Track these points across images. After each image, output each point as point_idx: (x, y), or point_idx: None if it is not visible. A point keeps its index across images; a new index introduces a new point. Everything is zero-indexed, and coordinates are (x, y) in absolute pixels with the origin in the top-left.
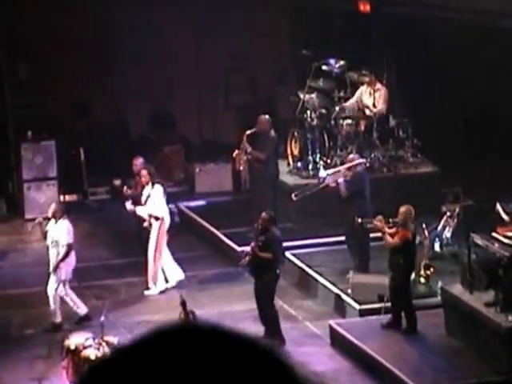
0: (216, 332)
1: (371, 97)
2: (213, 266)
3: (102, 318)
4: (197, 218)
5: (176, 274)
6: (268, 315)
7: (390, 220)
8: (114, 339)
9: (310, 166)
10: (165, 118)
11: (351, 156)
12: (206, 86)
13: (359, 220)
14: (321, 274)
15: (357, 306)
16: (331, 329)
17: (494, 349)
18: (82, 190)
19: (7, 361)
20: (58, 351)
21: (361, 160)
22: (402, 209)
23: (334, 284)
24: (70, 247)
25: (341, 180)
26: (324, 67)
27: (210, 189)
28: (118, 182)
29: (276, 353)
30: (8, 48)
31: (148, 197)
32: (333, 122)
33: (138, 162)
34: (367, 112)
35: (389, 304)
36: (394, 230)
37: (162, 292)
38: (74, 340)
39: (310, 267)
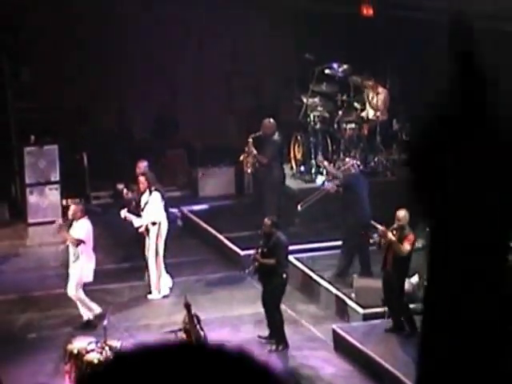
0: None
1: (373, 100)
2: (216, 270)
3: (105, 322)
4: (200, 221)
5: (167, 281)
6: (274, 319)
7: (391, 228)
8: (116, 343)
9: (313, 170)
10: (168, 122)
11: (346, 160)
12: (208, 91)
13: (372, 238)
14: (324, 278)
15: (360, 310)
16: (334, 333)
17: None
18: (84, 195)
19: (10, 365)
20: (61, 355)
21: (353, 162)
22: (402, 213)
23: (337, 288)
24: (83, 244)
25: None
26: (327, 71)
27: (212, 193)
28: (121, 186)
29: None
30: (11, 52)
31: (146, 203)
32: (336, 126)
33: (142, 164)
34: (371, 116)
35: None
36: (396, 236)
37: (164, 296)
38: (77, 344)
39: (313, 271)
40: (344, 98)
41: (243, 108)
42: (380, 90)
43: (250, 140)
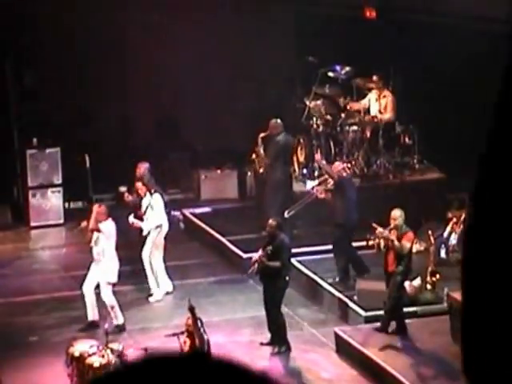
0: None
1: (377, 103)
2: (218, 273)
3: (106, 326)
4: (202, 224)
5: (165, 284)
6: (275, 322)
7: (387, 228)
8: (118, 346)
9: (316, 173)
10: (170, 124)
11: (336, 164)
12: (211, 93)
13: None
14: (326, 281)
15: (362, 313)
16: (337, 336)
17: None
18: (87, 197)
19: (12, 368)
20: (63, 359)
21: (343, 165)
22: (397, 212)
23: (339, 291)
24: (107, 245)
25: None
26: (330, 73)
27: (215, 195)
28: (123, 189)
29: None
30: (13, 55)
31: (147, 207)
32: (338, 129)
33: (143, 166)
34: (373, 118)
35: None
36: (394, 236)
37: (166, 294)
38: (79, 347)
39: (315, 274)
40: (347, 100)
41: (246, 111)
42: (386, 92)
43: (259, 140)
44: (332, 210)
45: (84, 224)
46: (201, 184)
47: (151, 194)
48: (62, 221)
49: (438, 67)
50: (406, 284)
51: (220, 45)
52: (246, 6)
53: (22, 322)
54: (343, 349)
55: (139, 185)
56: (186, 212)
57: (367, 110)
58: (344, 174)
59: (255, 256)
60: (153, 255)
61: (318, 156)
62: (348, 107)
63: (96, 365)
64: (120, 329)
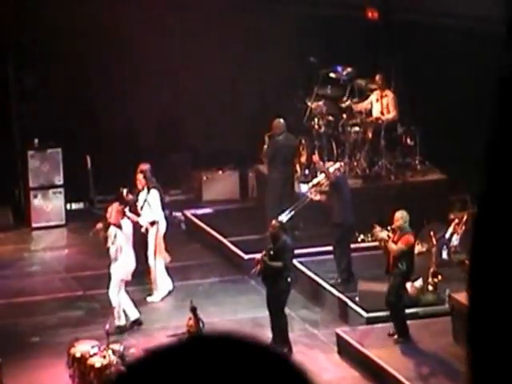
0: (229, 341)
1: (378, 103)
2: (219, 274)
3: (107, 326)
4: (203, 225)
5: (166, 284)
6: (278, 323)
7: (388, 228)
8: (119, 347)
9: (318, 174)
10: (172, 125)
11: (328, 164)
12: (213, 94)
13: (361, 237)
14: (328, 282)
15: (364, 314)
16: (338, 337)
17: None
18: (88, 198)
19: (13, 369)
20: (65, 359)
21: (336, 166)
22: (398, 214)
23: (341, 292)
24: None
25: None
26: (332, 74)
27: (216, 196)
28: (124, 190)
29: (289, 359)
30: (15, 55)
31: (144, 202)
32: (340, 130)
33: (145, 167)
34: (375, 119)
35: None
36: (394, 237)
37: (165, 296)
38: (80, 348)
39: (317, 275)
40: (349, 101)
41: (247, 111)
42: (387, 92)
43: (266, 139)
44: (330, 210)
45: (100, 226)
46: (202, 185)
47: (149, 189)
48: (63, 222)
49: (439, 68)
50: (408, 285)
51: (221, 45)
52: (247, 6)
53: (23, 323)
54: (345, 350)
55: (140, 176)
56: (188, 213)
57: (369, 111)
58: (338, 174)
59: (258, 257)
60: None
61: (316, 157)
62: (350, 108)
63: (97, 365)
64: (121, 330)
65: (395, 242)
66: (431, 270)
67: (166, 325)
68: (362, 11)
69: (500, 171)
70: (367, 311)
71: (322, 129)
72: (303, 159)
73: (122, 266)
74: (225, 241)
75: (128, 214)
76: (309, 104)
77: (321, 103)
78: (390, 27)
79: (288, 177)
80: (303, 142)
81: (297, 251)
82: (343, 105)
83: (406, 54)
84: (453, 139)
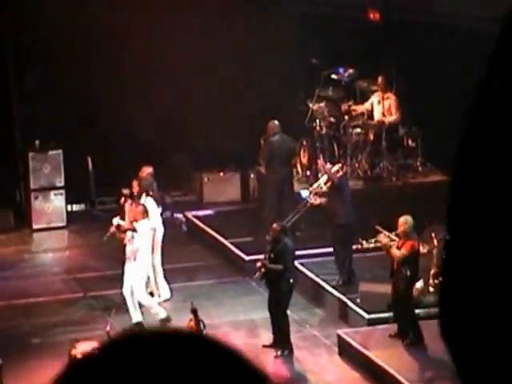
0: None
1: (380, 105)
2: (220, 276)
3: (108, 328)
4: (204, 227)
5: (163, 291)
6: (279, 324)
7: (393, 233)
8: None
9: (319, 175)
10: (173, 127)
11: (327, 166)
12: (214, 95)
13: (364, 242)
14: (329, 283)
15: (365, 315)
16: (339, 338)
17: None
18: (89, 200)
19: (14, 370)
20: (66, 361)
21: (336, 167)
22: (402, 219)
23: (342, 293)
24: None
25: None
26: (333, 76)
27: (217, 198)
28: (126, 192)
29: (240, 355)
30: (16, 56)
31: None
32: (342, 131)
33: (147, 170)
34: (377, 120)
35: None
36: (398, 242)
37: (165, 301)
38: (81, 349)
39: (318, 276)
40: (350, 103)
41: (249, 113)
42: (389, 94)
43: (262, 141)
44: (332, 211)
45: (113, 230)
46: (203, 186)
47: (145, 197)
48: (64, 223)
49: (441, 69)
50: None
51: (222, 47)
52: (248, 7)
53: (24, 325)
54: (346, 351)
55: (135, 183)
56: (189, 214)
57: (370, 113)
58: (339, 175)
59: (260, 261)
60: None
61: (321, 162)
62: (351, 110)
63: None
64: (166, 321)
65: (399, 248)
66: (432, 271)
67: (167, 326)
68: (363, 12)
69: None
70: (368, 312)
71: (324, 130)
72: (305, 160)
73: (140, 267)
74: (226, 242)
75: (118, 221)
76: (310, 105)
77: (322, 105)
78: (392, 28)
79: (285, 178)
80: (304, 143)
81: (298, 252)
82: (344, 106)
83: (407, 55)
84: (454, 140)
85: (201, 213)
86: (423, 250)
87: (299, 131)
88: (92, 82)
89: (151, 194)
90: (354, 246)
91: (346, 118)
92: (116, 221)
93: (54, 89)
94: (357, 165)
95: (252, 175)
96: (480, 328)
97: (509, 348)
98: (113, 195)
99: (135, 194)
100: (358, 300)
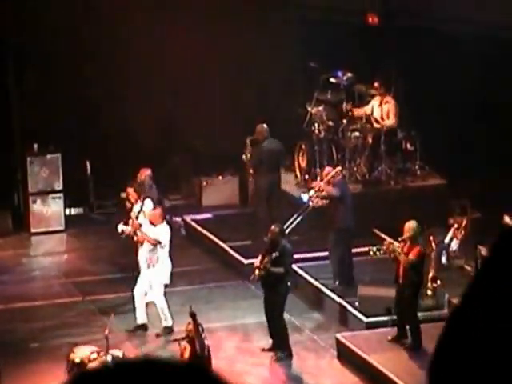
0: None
1: (379, 108)
2: (219, 279)
3: (107, 332)
4: (203, 230)
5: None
6: (277, 328)
7: (399, 239)
8: (118, 352)
9: (318, 179)
10: (172, 131)
11: (327, 169)
12: (213, 99)
13: (372, 252)
14: (327, 287)
15: (364, 319)
16: (338, 341)
17: None
18: (88, 203)
19: (12, 374)
20: (64, 365)
21: (336, 170)
22: (410, 224)
23: (340, 296)
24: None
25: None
26: (332, 79)
27: (216, 202)
28: (124, 195)
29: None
30: (15, 58)
31: (139, 212)
32: (340, 135)
33: (145, 172)
34: (375, 124)
35: (395, 317)
36: (404, 248)
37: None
38: (79, 353)
39: (316, 279)
40: (349, 106)
41: (248, 116)
42: (388, 98)
43: (248, 142)
44: (332, 215)
45: (123, 228)
46: (202, 190)
47: (143, 200)
48: (62, 227)
49: (440, 73)
50: None
51: (222, 50)
52: (247, 10)
53: (22, 329)
54: (345, 355)
55: (130, 190)
56: (188, 218)
57: (369, 117)
58: (337, 178)
59: (256, 263)
60: None
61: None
62: (351, 114)
63: None
64: (168, 331)
65: (406, 254)
66: (430, 274)
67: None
68: (362, 16)
69: None
70: (367, 316)
71: (322, 134)
72: (303, 164)
73: (160, 270)
74: (224, 246)
75: (122, 227)
76: (309, 109)
77: (321, 108)
78: (390, 32)
79: (275, 182)
80: (303, 147)
81: (296, 256)
82: (347, 106)
83: (405, 59)
84: (453, 144)
85: (199, 216)
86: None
87: (298, 135)
88: (91, 85)
89: (148, 195)
90: (354, 250)
91: (345, 121)
92: (120, 227)
93: (53, 92)
94: (355, 168)
95: (250, 179)
96: None
97: None
98: (111, 199)
99: (134, 201)
100: (357, 304)
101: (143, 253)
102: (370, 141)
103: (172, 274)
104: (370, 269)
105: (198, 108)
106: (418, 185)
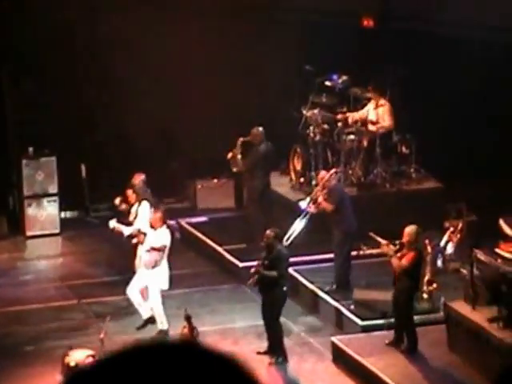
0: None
1: (374, 111)
2: (214, 283)
3: (102, 335)
4: (199, 234)
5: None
6: (273, 332)
7: (396, 242)
8: None
9: (313, 182)
10: (167, 134)
11: (322, 173)
12: (208, 102)
13: (365, 248)
14: (323, 290)
15: (359, 322)
16: (333, 345)
17: (497, 365)
18: (83, 207)
19: (8, 378)
20: (59, 368)
21: (331, 173)
22: (408, 229)
23: (336, 300)
24: (162, 252)
25: (320, 199)
26: (327, 83)
27: (211, 205)
28: (119, 199)
29: (233, 361)
30: (11, 63)
31: (136, 214)
32: (336, 138)
33: (139, 178)
34: (370, 127)
35: (392, 320)
36: (401, 252)
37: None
38: (75, 357)
39: (312, 283)
40: (344, 109)
41: (243, 120)
42: (382, 101)
43: (239, 142)
44: (334, 219)
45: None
46: (197, 193)
47: (140, 201)
48: (57, 230)
49: (436, 76)
50: None
51: (219, 54)
52: (244, 14)
53: (17, 332)
54: (340, 358)
55: (129, 192)
56: (183, 221)
57: (365, 120)
58: (332, 182)
59: (253, 268)
60: None
61: (322, 173)
62: (347, 117)
63: None
64: (164, 334)
65: (400, 258)
66: (426, 278)
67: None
68: (358, 19)
69: None
70: (362, 319)
71: (317, 137)
72: (298, 167)
73: (158, 275)
74: (220, 249)
75: (114, 224)
76: (304, 112)
77: (316, 111)
78: (386, 35)
79: (267, 184)
80: (298, 150)
81: (291, 259)
82: (339, 116)
83: (401, 62)
84: (448, 147)
85: (195, 220)
86: None
87: (293, 138)
88: (86, 89)
89: (146, 197)
90: (354, 253)
91: (340, 124)
92: (112, 224)
93: (48, 95)
94: (350, 171)
95: (234, 169)
96: None
97: None
98: (106, 202)
99: (131, 202)
100: (352, 307)
101: (141, 254)
102: (366, 144)
103: (171, 279)
104: (365, 272)
105: (193, 111)
106: (413, 188)
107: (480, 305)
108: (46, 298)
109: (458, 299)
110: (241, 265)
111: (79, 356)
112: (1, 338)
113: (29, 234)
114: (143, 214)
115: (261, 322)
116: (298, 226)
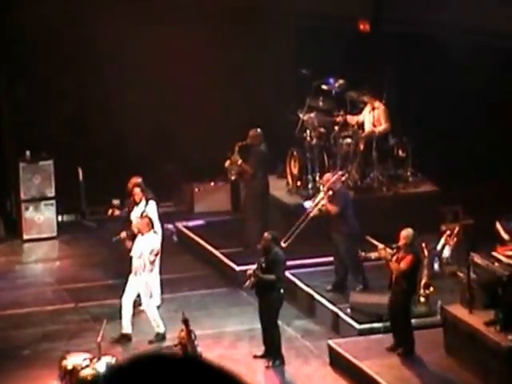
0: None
1: (370, 114)
2: (211, 286)
3: (99, 339)
4: (195, 237)
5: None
6: (270, 335)
7: (393, 246)
8: (110, 359)
9: (310, 185)
10: (163, 137)
11: (326, 176)
12: (204, 105)
13: (363, 253)
14: (319, 293)
15: (356, 326)
16: (330, 348)
17: (494, 368)
18: (80, 210)
19: (5, 381)
20: (56, 372)
21: (336, 176)
22: (404, 233)
23: (333, 303)
24: (154, 254)
25: (324, 201)
26: (324, 86)
27: (208, 208)
28: (116, 202)
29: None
30: (7, 66)
31: (142, 213)
32: (332, 141)
33: (136, 180)
34: (367, 130)
35: (388, 324)
36: (398, 255)
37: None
38: (72, 360)
39: (308, 286)
40: (341, 113)
41: (239, 123)
42: (377, 104)
43: (237, 148)
44: (338, 222)
45: (123, 235)
46: (194, 197)
47: (147, 200)
48: (54, 234)
49: (432, 79)
50: None
51: (215, 58)
52: (238, 17)
53: (14, 336)
54: (337, 362)
55: (137, 190)
56: (179, 225)
57: (361, 124)
58: (337, 185)
59: (250, 270)
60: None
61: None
62: (344, 121)
63: (89, 378)
64: (161, 337)
65: (398, 261)
66: (423, 281)
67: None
68: (353, 23)
69: None
70: (359, 323)
71: (314, 140)
72: (295, 171)
73: (148, 280)
74: (216, 252)
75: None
76: (301, 116)
77: (312, 115)
78: (382, 39)
79: (266, 184)
80: (295, 153)
81: (288, 262)
82: (337, 119)
83: (397, 66)
84: (445, 151)
85: (191, 223)
86: None
87: (289, 141)
88: (82, 93)
89: (152, 197)
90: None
91: (336, 128)
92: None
93: (45, 99)
94: (347, 175)
95: (242, 185)
96: None
97: None
98: (103, 206)
99: (138, 200)
100: (349, 310)
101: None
102: (362, 147)
103: (161, 283)
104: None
105: (189, 115)
106: (409, 191)
107: (477, 308)
108: (43, 302)
109: (455, 303)
110: (237, 268)
111: (76, 360)
112: None
113: (26, 237)
114: (153, 213)
115: (257, 326)
116: (299, 226)
